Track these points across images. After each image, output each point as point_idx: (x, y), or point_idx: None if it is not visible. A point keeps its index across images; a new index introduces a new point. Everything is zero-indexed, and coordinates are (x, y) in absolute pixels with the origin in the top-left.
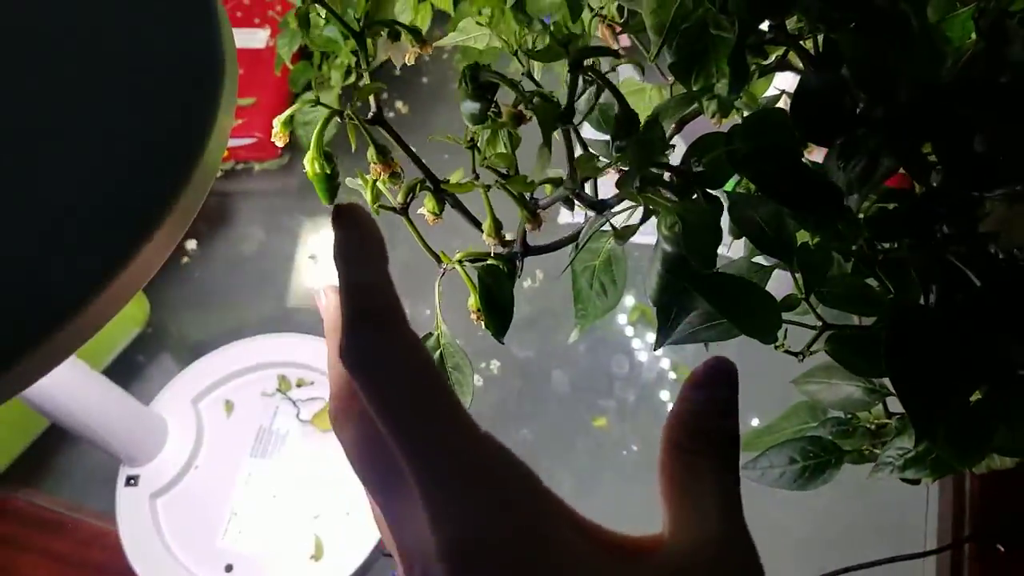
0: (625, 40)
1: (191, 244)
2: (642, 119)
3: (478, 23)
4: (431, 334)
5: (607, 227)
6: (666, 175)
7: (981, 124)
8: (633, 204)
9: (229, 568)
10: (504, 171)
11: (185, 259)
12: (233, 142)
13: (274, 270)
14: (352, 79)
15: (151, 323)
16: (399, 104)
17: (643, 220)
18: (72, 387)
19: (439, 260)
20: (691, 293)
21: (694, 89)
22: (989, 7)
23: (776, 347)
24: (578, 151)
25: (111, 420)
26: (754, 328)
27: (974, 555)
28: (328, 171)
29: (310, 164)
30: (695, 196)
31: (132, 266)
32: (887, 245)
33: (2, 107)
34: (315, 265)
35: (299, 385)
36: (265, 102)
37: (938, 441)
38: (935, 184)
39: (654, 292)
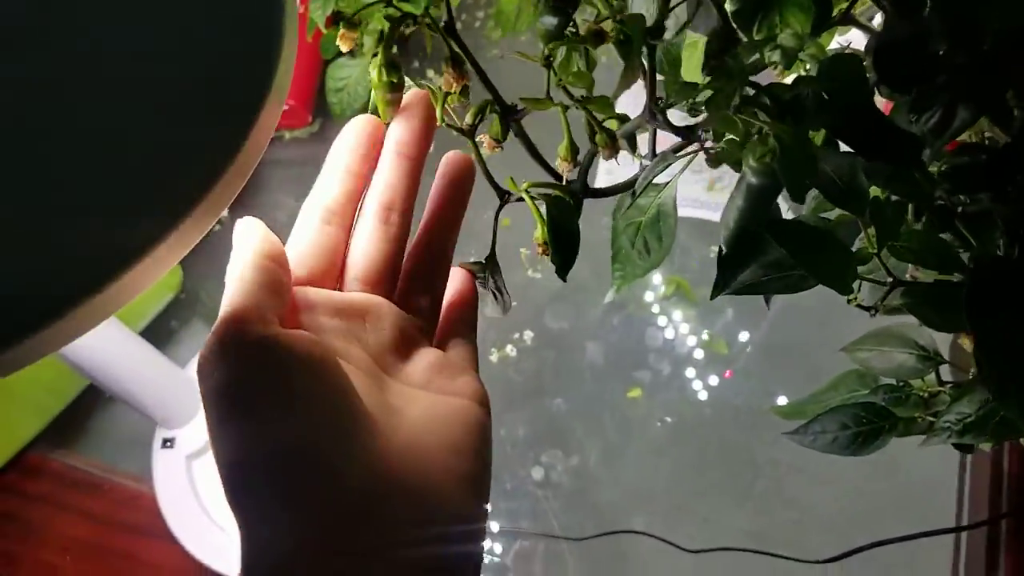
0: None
1: (223, 212)
2: (698, 76)
3: None
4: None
5: (660, 179)
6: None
7: None
8: (688, 155)
9: None
10: (582, 94)
11: (217, 227)
12: None
13: None
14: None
15: (184, 289)
16: (431, 74)
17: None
18: (112, 347)
19: (501, 193)
20: (763, 239)
21: (756, 39)
22: None
23: (849, 300)
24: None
25: (148, 381)
26: (831, 277)
27: (1012, 531)
28: (395, 79)
29: (376, 70)
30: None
31: (206, 202)
32: (963, 198)
33: (64, 64)
34: None
35: None
36: (297, 69)
37: (1011, 400)
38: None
39: (729, 232)
